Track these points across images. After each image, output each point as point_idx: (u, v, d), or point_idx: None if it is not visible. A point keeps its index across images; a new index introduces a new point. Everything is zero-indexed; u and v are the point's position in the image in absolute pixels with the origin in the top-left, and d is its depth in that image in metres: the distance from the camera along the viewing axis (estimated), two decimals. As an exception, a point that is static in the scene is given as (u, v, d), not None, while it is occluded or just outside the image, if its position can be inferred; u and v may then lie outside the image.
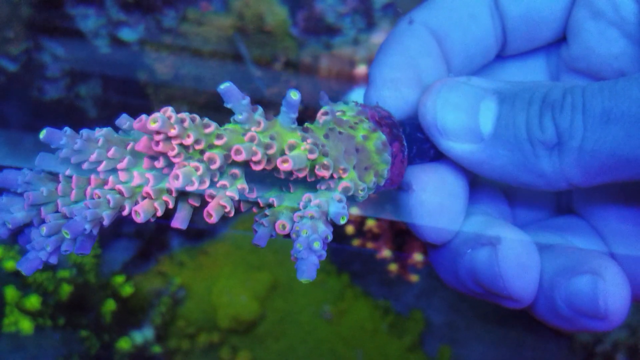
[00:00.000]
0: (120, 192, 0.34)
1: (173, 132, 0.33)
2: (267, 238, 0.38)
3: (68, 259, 1.19)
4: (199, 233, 1.41)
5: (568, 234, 0.44)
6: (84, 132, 0.35)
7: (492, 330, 1.41)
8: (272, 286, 1.38)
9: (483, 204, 0.46)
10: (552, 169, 0.37)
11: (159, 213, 0.35)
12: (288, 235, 0.37)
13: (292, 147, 0.35)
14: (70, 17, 1.25)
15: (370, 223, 1.31)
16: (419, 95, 0.42)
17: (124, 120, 0.35)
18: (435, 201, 0.41)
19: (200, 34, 1.26)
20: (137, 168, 0.35)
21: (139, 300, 1.33)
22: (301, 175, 0.36)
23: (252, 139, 0.35)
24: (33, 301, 1.09)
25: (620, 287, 0.37)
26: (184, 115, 0.33)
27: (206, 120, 0.34)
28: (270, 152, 0.35)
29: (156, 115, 0.32)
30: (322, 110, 0.37)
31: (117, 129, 0.36)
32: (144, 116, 0.33)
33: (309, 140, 0.35)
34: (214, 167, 0.34)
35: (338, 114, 0.39)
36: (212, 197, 0.35)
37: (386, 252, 1.33)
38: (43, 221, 0.36)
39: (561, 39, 0.45)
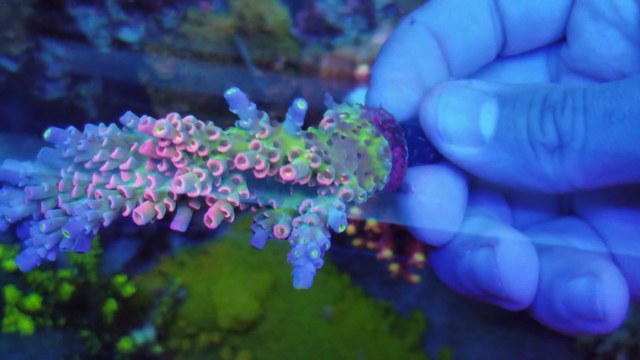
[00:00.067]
0: (121, 193, 0.34)
1: (178, 139, 0.33)
2: (265, 240, 0.38)
3: (69, 258, 1.19)
4: (200, 233, 1.41)
5: (569, 235, 0.44)
6: (88, 132, 0.35)
7: (493, 331, 1.41)
8: (272, 286, 1.38)
9: (482, 205, 0.46)
10: (553, 171, 0.37)
11: (160, 216, 0.35)
12: (287, 238, 0.37)
13: (295, 155, 0.35)
14: (71, 17, 1.25)
15: (371, 223, 1.31)
16: (420, 96, 0.42)
17: (128, 118, 0.35)
18: (434, 203, 0.41)
19: (200, 34, 1.26)
20: (139, 169, 0.35)
21: (139, 300, 1.33)
22: (302, 182, 0.36)
23: (256, 147, 0.35)
24: (33, 301, 1.09)
25: (617, 290, 0.37)
26: (190, 122, 0.33)
27: (211, 126, 0.34)
28: (274, 160, 0.35)
29: (162, 122, 0.32)
30: (327, 117, 0.37)
31: (120, 125, 0.36)
32: (149, 119, 0.33)
33: (312, 149, 0.36)
34: (216, 173, 0.34)
35: (342, 116, 0.39)
36: (213, 201, 0.35)
37: (387, 252, 1.33)
38: (42, 216, 0.36)
39: (561, 40, 0.45)
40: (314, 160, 0.35)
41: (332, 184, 0.37)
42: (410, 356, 1.39)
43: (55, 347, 1.23)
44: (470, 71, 0.45)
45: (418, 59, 0.42)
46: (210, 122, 0.35)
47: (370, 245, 1.34)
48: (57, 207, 0.36)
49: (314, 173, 0.36)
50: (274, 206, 0.38)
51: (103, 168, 0.34)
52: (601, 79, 0.43)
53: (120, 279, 1.23)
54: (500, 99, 0.38)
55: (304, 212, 0.37)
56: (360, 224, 1.33)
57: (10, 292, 1.09)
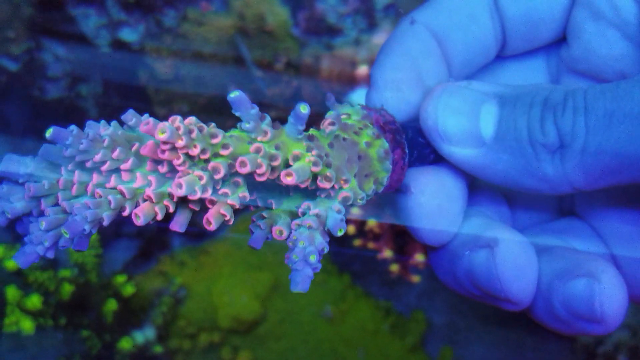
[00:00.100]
0: (121, 193, 0.34)
1: (180, 143, 0.33)
2: (263, 240, 0.38)
3: (69, 258, 1.19)
4: (200, 233, 1.41)
5: (569, 236, 0.44)
6: (90, 131, 0.35)
7: (493, 331, 1.41)
8: (273, 286, 1.38)
9: (482, 206, 0.46)
10: (554, 172, 0.37)
11: (159, 217, 0.35)
12: (285, 240, 0.37)
13: (296, 158, 0.35)
14: (71, 17, 1.25)
15: (371, 223, 1.31)
16: (420, 97, 0.42)
17: (130, 117, 0.35)
18: (434, 203, 0.41)
19: (200, 34, 1.26)
20: (140, 169, 0.35)
21: (140, 300, 1.33)
22: (303, 185, 0.36)
23: (257, 150, 0.35)
24: (34, 301, 1.09)
25: (616, 291, 0.37)
26: (192, 125, 0.33)
27: (213, 128, 0.34)
28: (275, 163, 0.35)
29: (165, 125, 0.32)
30: (329, 120, 0.37)
31: (121, 123, 0.36)
32: (151, 120, 0.33)
33: (313, 152, 0.36)
34: (217, 177, 0.34)
35: (343, 117, 0.39)
36: (213, 203, 0.35)
37: (387, 253, 1.33)
38: (42, 212, 0.36)
39: (561, 40, 0.45)
40: (315, 164, 0.35)
41: (332, 187, 0.37)
42: (411, 356, 1.39)
43: (55, 347, 1.23)
44: (471, 71, 0.45)
45: (418, 59, 0.42)
46: (213, 124, 0.35)
47: (371, 245, 1.34)
48: (57, 205, 0.36)
49: (315, 176, 0.36)
50: (273, 207, 0.38)
51: (104, 168, 0.34)
52: (601, 79, 0.43)
53: (121, 278, 1.23)
54: (501, 100, 0.38)
55: (303, 214, 0.37)
56: (360, 224, 1.33)
57: (12, 292, 1.09)
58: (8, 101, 1.34)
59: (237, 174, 0.35)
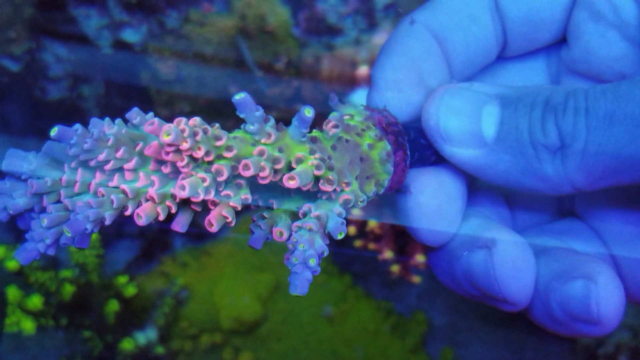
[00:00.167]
0: (124, 192, 0.34)
1: (185, 146, 0.33)
2: (263, 240, 0.39)
3: (71, 258, 1.19)
4: (202, 234, 1.41)
5: (568, 237, 0.44)
6: (94, 130, 0.35)
7: (494, 332, 1.41)
8: (274, 287, 1.38)
9: (482, 206, 0.46)
10: (555, 172, 0.37)
11: (161, 217, 0.35)
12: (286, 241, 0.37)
13: (299, 161, 0.35)
14: (73, 17, 1.25)
15: (372, 224, 1.31)
16: (422, 97, 0.42)
17: (134, 115, 0.35)
18: (433, 204, 0.41)
19: (202, 35, 1.26)
20: (143, 169, 0.35)
21: (141, 301, 1.33)
22: (305, 188, 0.36)
23: (261, 153, 0.35)
24: (35, 301, 1.10)
25: (613, 292, 0.37)
26: (197, 126, 0.33)
27: (217, 130, 0.34)
28: (278, 167, 0.35)
29: (170, 127, 0.32)
30: (332, 122, 0.37)
31: (126, 121, 0.36)
32: (156, 120, 0.33)
33: (316, 155, 0.36)
34: (221, 179, 0.34)
35: (346, 117, 0.39)
36: (215, 204, 0.35)
37: (388, 253, 1.33)
38: (44, 209, 0.36)
39: (562, 41, 0.45)
40: (317, 167, 0.35)
41: (334, 190, 0.37)
42: (412, 357, 1.39)
43: (57, 348, 1.23)
44: (471, 72, 0.45)
45: (419, 59, 0.42)
46: (217, 125, 0.35)
47: (372, 246, 1.34)
48: (59, 202, 0.36)
49: (317, 178, 0.36)
50: (274, 207, 0.38)
51: (107, 167, 0.34)
52: (601, 80, 0.43)
53: (122, 279, 1.23)
54: (502, 101, 0.39)
55: (304, 215, 0.37)
56: (361, 225, 1.33)
57: (13, 293, 1.09)
58: (9, 102, 1.34)
59: (239, 175, 0.35)
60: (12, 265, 1.10)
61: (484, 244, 0.40)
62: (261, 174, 0.34)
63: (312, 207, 0.37)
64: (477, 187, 0.46)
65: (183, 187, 0.33)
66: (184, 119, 0.33)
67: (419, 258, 1.33)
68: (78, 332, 1.20)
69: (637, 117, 0.33)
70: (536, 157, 0.37)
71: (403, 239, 1.33)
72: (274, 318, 1.37)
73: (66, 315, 1.16)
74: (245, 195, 0.36)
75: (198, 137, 0.33)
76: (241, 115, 0.35)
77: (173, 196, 0.35)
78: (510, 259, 0.39)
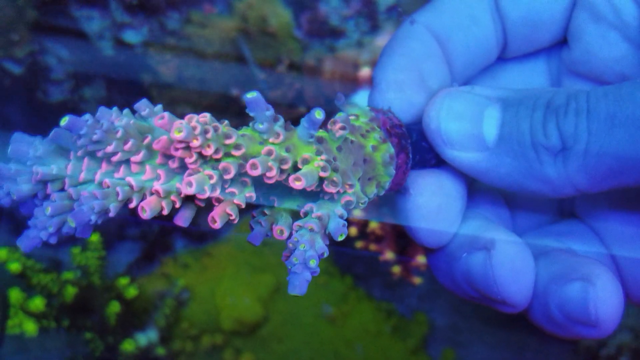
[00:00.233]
0: (130, 185, 0.34)
1: (195, 143, 0.33)
2: (263, 237, 0.39)
3: (72, 260, 1.19)
4: (203, 235, 1.41)
5: (569, 239, 0.44)
6: (104, 121, 0.34)
7: (495, 333, 1.41)
8: (275, 288, 1.38)
9: (481, 208, 0.46)
10: (557, 175, 0.37)
11: (165, 212, 0.35)
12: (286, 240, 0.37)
13: (305, 162, 0.35)
14: (75, 19, 1.25)
15: (373, 225, 1.31)
16: (423, 97, 0.42)
17: (143, 107, 0.35)
18: (432, 205, 0.41)
19: (203, 36, 1.26)
20: (150, 162, 0.35)
21: (143, 302, 1.33)
22: (309, 189, 0.36)
23: (269, 153, 0.35)
24: (37, 303, 1.10)
25: (611, 294, 0.37)
26: (208, 124, 0.33)
27: (227, 128, 0.34)
28: (285, 167, 0.35)
29: (181, 124, 0.32)
30: (339, 124, 0.37)
31: (133, 111, 0.36)
32: (166, 114, 0.33)
33: (322, 157, 0.36)
34: (227, 177, 0.34)
35: (352, 117, 0.39)
36: (219, 200, 0.35)
37: (389, 254, 1.33)
38: (48, 196, 0.36)
39: (562, 42, 0.45)
40: (323, 169, 0.35)
41: (337, 191, 0.37)
42: (413, 358, 1.38)
43: (59, 349, 1.23)
44: (472, 73, 0.46)
45: (420, 60, 0.42)
46: (226, 122, 0.35)
47: (373, 247, 1.34)
48: (63, 190, 0.36)
49: (321, 179, 0.36)
50: (276, 204, 0.38)
51: (115, 159, 0.34)
52: (602, 81, 0.43)
53: (124, 281, 1.23)
54: (503, 104, 0.39)
55: (306, 214, 0.37)
56: (362, 226, 1.33)
57: (15, 295, 1.10)
58: (11, 104, 1.35)
59: (245, 173, 0.35)
60: (14, 267, 1.10)
61: (483, 246, 0.40)
62: (268, 174, 0.34)
63: (314, 207, 0.37)
64: (477, 189, 0.46)
65: (190, 184, 0.33)
66: (195, 116, 0.33)
67: (420, 259, 1.33)
68: (80, 333, 1.20)
69: (638, 118, 0.33)
70: (538, 159, 0.37)
71: (404, 240, 1.33)
72: (274, 319, 1.37)
73: (68, 316, 1.16)
74: (250, 194, 0.36)
75: (209, 135, 0.33)
76: (251, 114, 0.35)
77: (178, 191, 0.35)
78: (509, 260, 0.39)
